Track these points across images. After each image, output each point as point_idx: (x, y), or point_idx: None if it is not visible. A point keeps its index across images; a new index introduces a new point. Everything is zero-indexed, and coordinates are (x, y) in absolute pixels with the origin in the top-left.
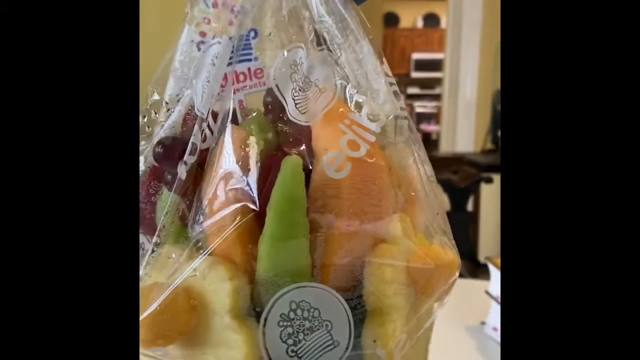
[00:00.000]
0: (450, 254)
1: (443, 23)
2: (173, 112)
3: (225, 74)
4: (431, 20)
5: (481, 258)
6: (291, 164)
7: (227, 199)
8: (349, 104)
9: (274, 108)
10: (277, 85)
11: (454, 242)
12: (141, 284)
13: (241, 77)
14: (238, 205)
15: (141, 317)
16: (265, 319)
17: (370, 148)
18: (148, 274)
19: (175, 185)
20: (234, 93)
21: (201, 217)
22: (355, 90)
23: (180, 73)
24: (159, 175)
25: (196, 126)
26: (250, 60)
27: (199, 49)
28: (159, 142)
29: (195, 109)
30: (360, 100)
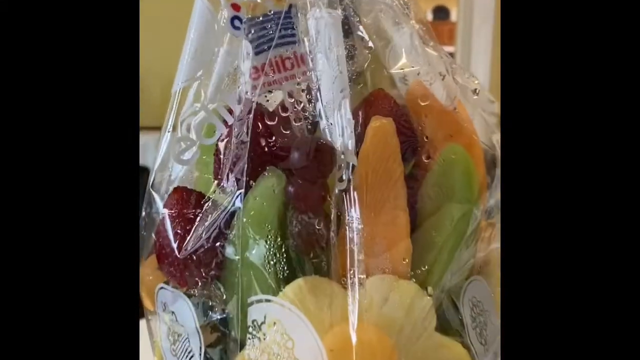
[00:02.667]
0: None
1: (453, 16)
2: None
3: (271, 60)
4: (441, 13)
5: None
6: (463, 153)
7: (392, 202)
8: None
9: None
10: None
11: None
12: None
13: (287, 64)
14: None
15: None
16: (465, 324)
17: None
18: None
19: (335, 198)
20: (281, 83)
21: (357, 231)
22: (467, 76)
23: (194, 58)
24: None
25: (338, 125)
26: (294, 42)
27: (234, 27)
28: (319, 144)
29: (320, 102)
30: (474, 85)
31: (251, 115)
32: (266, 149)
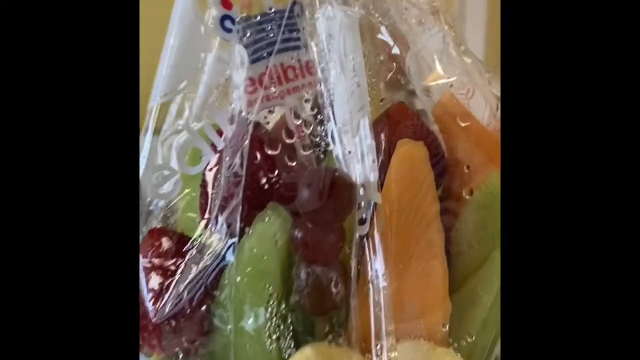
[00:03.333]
0: None
1: None
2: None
3: (271, 70)
4: None
5: None
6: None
7: (426, 250)
8: None
9: None
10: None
11: None
12: None
13: (290, 74)
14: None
15: None
16: None
17: None
18: None
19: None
20: (283, 97)
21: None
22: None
23: (175, 67)
24: None
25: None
26: (299, 47)
27: (225, 29)
28: (335, 178)
29: (333, 123)
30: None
31: (247, 142)
32: (266, 187)
